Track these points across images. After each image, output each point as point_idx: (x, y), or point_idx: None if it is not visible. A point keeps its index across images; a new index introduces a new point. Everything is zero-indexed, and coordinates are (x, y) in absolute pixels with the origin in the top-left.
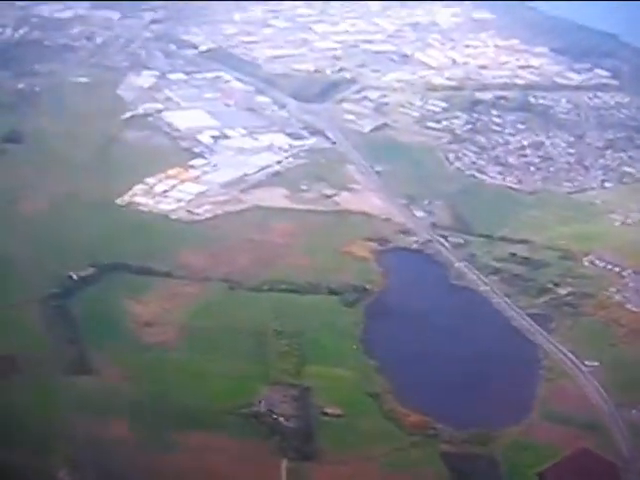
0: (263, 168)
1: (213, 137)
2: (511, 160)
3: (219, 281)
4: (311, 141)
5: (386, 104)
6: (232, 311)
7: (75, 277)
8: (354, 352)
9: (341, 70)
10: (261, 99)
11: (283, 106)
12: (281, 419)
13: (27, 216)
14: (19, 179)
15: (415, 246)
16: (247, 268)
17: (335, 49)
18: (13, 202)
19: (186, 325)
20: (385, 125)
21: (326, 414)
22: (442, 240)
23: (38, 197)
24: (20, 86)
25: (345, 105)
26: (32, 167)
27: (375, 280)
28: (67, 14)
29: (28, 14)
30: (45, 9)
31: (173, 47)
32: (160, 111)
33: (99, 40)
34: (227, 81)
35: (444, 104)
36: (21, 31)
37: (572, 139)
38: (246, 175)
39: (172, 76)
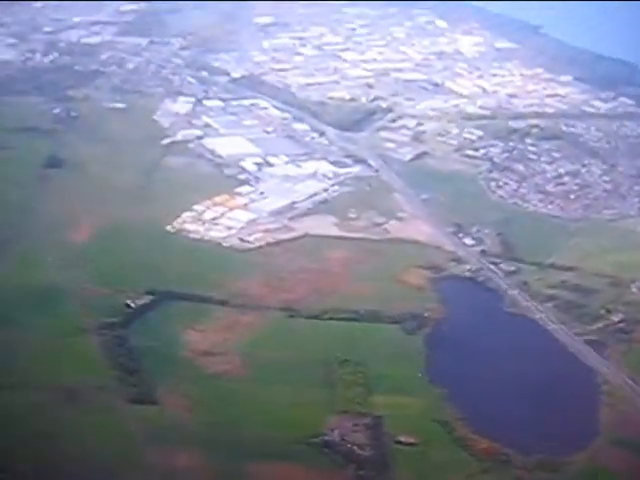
0: (310, 196)
1: (256, 164)
2: (550, 188)
3: (277, 310)
4: (355, 169)
5: (423, 132)
6: (293, 340)
7: (132, 305)
8: (419, 380)
9: (376, 99)
10: (299, 126)
11: (322, 134)
12: (355, 448)
13: (75, 244)
14: (63, 206)
15: (468, 274)
16: (305, 296)
17: (366, 77)
18: (59, 229)
19: (248, 354)
20: (425, 153)
21: (399, 442)
22: (493, 268)
23: (84, 224)
24: (56, 111)
25: (383, 133)
26: (75, 193)
27: (433, 308)
28: (95, 40)
29: (56, 39)
30: (72, 34)
31: (205, 74)
32: (200, 138)
33: (130, 66)
34: (264, 108)
35: (480, 132)
36: (50, 56)
37: (605, 167)
38: (294, 203)
39: (208, 102)
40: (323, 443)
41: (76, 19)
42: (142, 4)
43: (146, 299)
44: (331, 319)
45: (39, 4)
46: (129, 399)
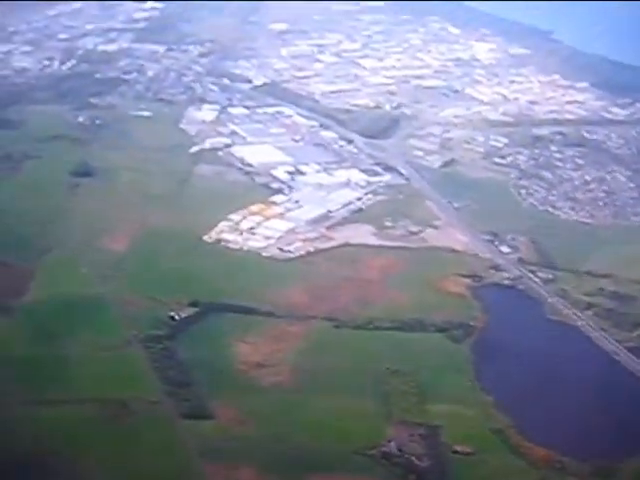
0: (345, 205)
1: (288, 173)
2: (579, 195)
3: (323, 320)
4: (386, 177)
5: (450, 140)
6: (341, 350)
7: (177, 317)
8: (470, 389)
9: (399, 106)
10: (327, 134)
11: (350, 141)
12: (413, 458)
13: (113, 253)
14: (97, 214)
15: (507, 282)
16: (349, 306)
17: (387, 84)
18: (96, 238)
19: (298, 366)
20: (453, 161)
21: (456, 452)
22: (531, 275)
23: (121, 233)
24: (80, 119)
25: (411, 141)
26: (108, 202)
27: (477, 316)
28: (112, 47)
29: (72, 46)
30: (88, 41)
31: (227, 81)
32: (228, 146)
33: (150, 73)
34: (289, 116)
35: (505, 140)
36: (69, 64)
37: (630, 173)
38: (330, 212)
39: (233, 110)
40: (381, 454)
41: (89, 26)
42: (154, 10)
43: (190, 311)
44: (377, 329)
45: (53, 11)
46: (183, 414)
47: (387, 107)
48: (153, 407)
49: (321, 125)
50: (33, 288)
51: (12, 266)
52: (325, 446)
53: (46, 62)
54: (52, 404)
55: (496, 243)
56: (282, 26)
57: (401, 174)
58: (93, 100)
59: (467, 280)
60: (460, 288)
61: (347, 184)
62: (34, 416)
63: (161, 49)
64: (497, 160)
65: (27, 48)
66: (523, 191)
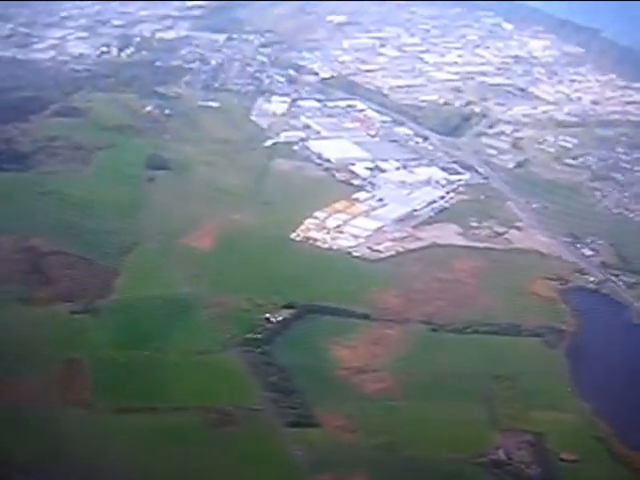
0: (429, 203)
1: (368, 169)
2: None
3: (419, 323)
4: (466, 176)
5: (521, 139)
6: (440, 355)
7: (273, 320)
8: (568, 395)
9: (469, 103)
10: (401, 130)
11: (426, 139)
12: (522, 466)
13: (200, 251)
14: (178, 210)
15: (592, 286)
16: (443, 309)
17: (453, 80)
18: (181, 236)
19: (399, 371)
20: (526, 161)
21: (562, 460)
22: (614, 279)
23: (205, 231)
24: (148, 109)
25: (484, 139)
26: (187, 197)
27: (567, 321)
28: (169, 35)
29: (128, 33)
30: (145, 28)
31: (293, 72)
32: (303, 140)
33: (213, 63)
34: (361, 110)
35: (574, 140)
36: (127, 51)
37: None
38: (414, 211)
39: (304, 103)
40: (491, 462)
41: (143, 12)
42: None
43: (285, 313)
44: (474, 332)
45: None
46: (288, 422)
47: (456, 104)
48: (256, 415)
49: (394, 121)
50: (118, 287)
51: (95, 263)
52: (434, 455)
53: (104, 49)
54: (149, 412)
55: (577, 246)
56: (341, 18)
57: (479, 173)
58: (159, 89)
59: (554, 283)
60: (548, 291)
61: (428, 182)
62: (132, 425)
63: (221, 38)
64: (568, 161)
65: (82, 34)
66: (597, 193)
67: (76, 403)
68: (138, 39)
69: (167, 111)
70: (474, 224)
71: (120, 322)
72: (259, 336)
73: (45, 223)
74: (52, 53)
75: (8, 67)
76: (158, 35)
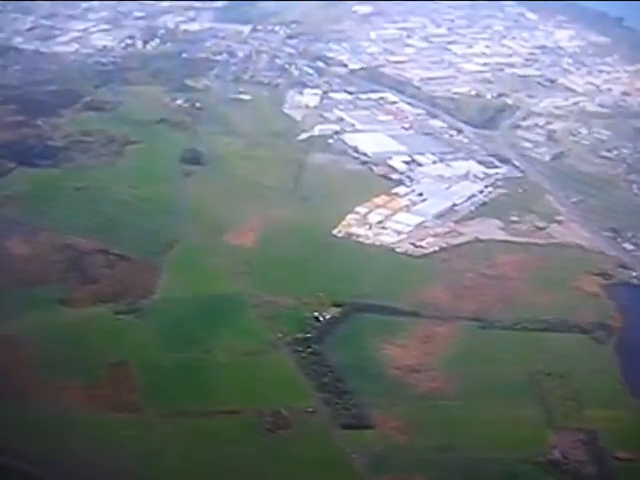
0: (469, 198)
1: (405, 163)
2: None
3: (468, 320)
4: (503, 170)
5: (555, 131)
6: (491, 353)
7: (321, 319)
8: (620, 392)
9: (500, 95)
10: (435, 123)
11: (460, 131)
12: (578, 466)
13: (242, 248)
14: (215, 206)
15: (635, 281)
16: (491, 305)
17: (482, 72)
18: (222, 232)
19: (451, 369)
20: (562, 154)
21: (617, 458)
22: None
23: (246, 227)
24: (179, 102)
25: (519, 132)
26: (225, 192)
27: (614, 316)
28: (194, 26)
29: (152, 25)
30: (169, 20)
31: (321, 64)
32: (338, 133)
33: (241, 54)
34: (393, 102)
35: (608, 132)
36: (152, 43)
37: None
38: (455, 205)
39: (335, 95)
40: (548, 462)
41: (165, 4)
42: None
43: (334, 311)
44: (524, 329)
45: None
46: (343, 424)
47: (488, 96)
48: (310, 417)
49: (427, 113)
50: (162, 286)
51: (136, 262)
52: (491, 455)
53: (128, 41)
54: (200, 416)
55: (618, 240)
56: (366, 9)
57: (516, 166)
58: (188, 82)
59: (598, 278)
60: (593, 287)
61: (466, 176)
62: (183, 429)
63: (245, 29)
64: (603, 153)
65: (105, 26)
66: (635, 186)
67: (125, 407)
68: (162, 31)
69: (198, 104)
70: (515, 218)
71: (165, 323)
72: (309, 335)
73: (82, 220)
74: (76, 46)
75: (33, 60)
76: (182, 27)
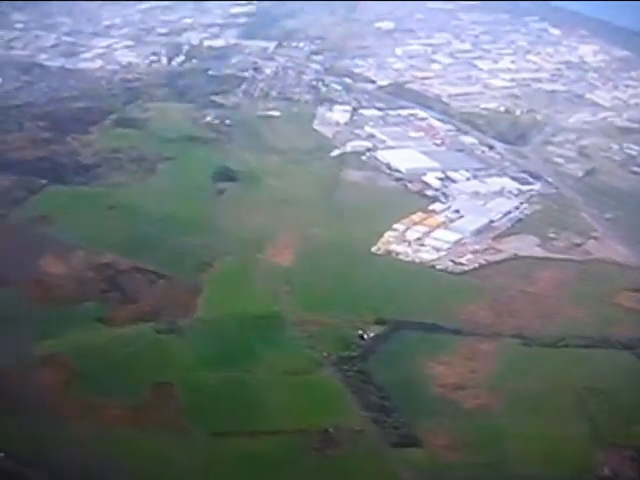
0: (505, 214)
1: (439, 179)
2: None
3: (509, 337)
4: (536, 186)
5: (585, 147)
6: (535, 370)
7: (365, 337)
8: None
9: (529, 111)
10: (466, 139)
11: (491, 147)
12: None
13: (280, 266)
14: (251, 224)
15: None
16: (532, 322)
17: (509, 87)
18: (259, 250)
19: (495, 387)
20: (594, 170)
21: None
22: None
23: (283, 245)
24: (208, 119)
25: (550, 148)
26: (260, 210)
27: None
28: (218, 43)
29: (175, 42)
30: (192, 37)
31: (349, 80)
32: (370, 150)
33: (268, 71)
34: (423, 119)
35: (638, 147)
36: (177, 59)
37: None
38: (492, 222)
39: (365, 112)
40: (597, 479)
41: (187, 20)
42: (251, 5)
43: (377, 329)
44: (565, 346)
45: (145, 5)
46: (392, 442)
47: (517, 112)
48: (359, 436)
49: (458, 129)
50: (201, 305)
51: (174, 280)
52: (540, 473)
53: (153, 57)
54: (247, 436)
55: None
56: (389, 25)
57: (549, 182)
58: (216, 99)
59: (637, 294)
60: (632, 303)
61: (501, 192)
62: (232, 450)
63: (270, 46)
64: (635, 169)
65: (128, 42)
66: None
67: (170, 427)
68: (187, 47)
69: (227, 121)
70: (552, 235)
71: (207, 342)
72: (354, 354)
73: (117, 238)
74: (100, 62)
75: (59, 77)
76: (206, 43)
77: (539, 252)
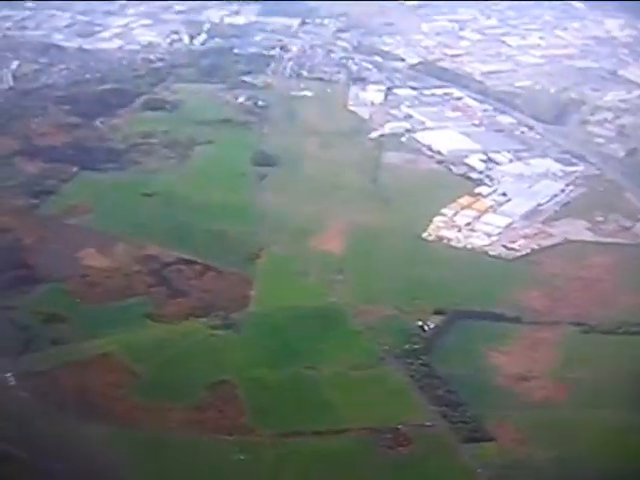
0: (552, 197)
1: (482, 161)
2: None
3: (569, 324)
4: (580, 168)
5: (624, 126)
6: (597, 358)
7: (426, 328)
8: None
9: (565, 89)
10: (504, 119)
11: (531, 128)
12: None
13: (329, 256)
14: (296, 211)
15: None
16: (591, 309)
17: (540, 65)
18: (308, 237)
19: (559, 376)
20: (635, 149)
21: None
22: None
23: (331, 232)
24: (240, 100)
25: (589, 128)
26: (303, 195)
27: None
28: (239, 20)
29: (194, 19)
30: (213, 14)
31: (379, 59)
32: (409, 131)
33: (295, 49)
34: (459, 98)
35: None
36: (200, 38)
37: None
38: (539, 205)
39: (399, 91)
40: None
41: None
42: None
43: (437, 320)
44: (625, 333)
45: None
46: (462, 437)
47: (552, 90)
48: (429, 432)
49: (495, 109)
50: (254, 298)
51: (223, 272)
52: (612, 465)
53: (174, 36)
54: (314, 435)
55: None
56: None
57: (592, 163)
58: (246, 79)
59: None
60: None
61: (546, 174)
62: (299, 449)
63: (294, 23)
64: None
65: (145, 21)
66: None
67: (234, 429)
68: (207, 25)
69: (260, 102)
70: (600, 218)
71: (264, 337)
72: (417, 346)
73: (157, 228)
74: (119, 42)
75: (78, 58)
76: (227, 20)
77: (589, 236)
